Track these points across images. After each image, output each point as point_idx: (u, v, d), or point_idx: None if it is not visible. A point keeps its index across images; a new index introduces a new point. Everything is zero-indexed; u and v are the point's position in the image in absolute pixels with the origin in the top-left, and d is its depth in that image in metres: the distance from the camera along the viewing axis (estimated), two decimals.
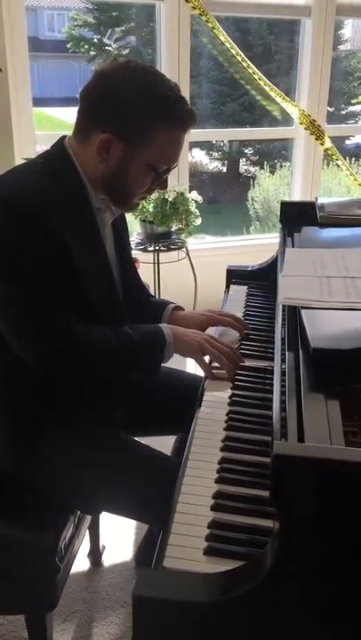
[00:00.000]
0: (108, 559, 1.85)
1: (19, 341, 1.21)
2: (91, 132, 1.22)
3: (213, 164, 8.05)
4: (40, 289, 1.18)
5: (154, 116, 1.19)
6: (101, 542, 1.84)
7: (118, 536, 1.91)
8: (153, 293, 1.67)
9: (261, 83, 3.39)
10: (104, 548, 1.86)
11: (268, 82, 3.39)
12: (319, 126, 3.58)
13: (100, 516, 1.76)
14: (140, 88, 1.19)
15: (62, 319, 1.20)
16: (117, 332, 1.27)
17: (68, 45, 7.86)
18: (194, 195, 3.05)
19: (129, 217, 2.12)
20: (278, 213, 1.86)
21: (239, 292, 1.83)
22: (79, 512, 1.35)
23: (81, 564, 1.80)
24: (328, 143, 3.63)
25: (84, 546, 1.76)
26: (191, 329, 1.41)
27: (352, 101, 7.83)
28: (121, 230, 1.45)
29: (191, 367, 1.42)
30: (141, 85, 1.19)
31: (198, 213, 3.03)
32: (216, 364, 1.35)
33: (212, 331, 1.49)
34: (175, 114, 1.21)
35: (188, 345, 1.32)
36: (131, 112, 1.19)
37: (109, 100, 1.20)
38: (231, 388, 1.29)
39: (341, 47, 7.48)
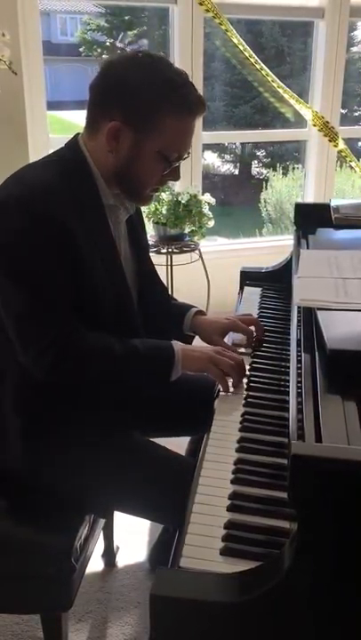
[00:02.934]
0: (121, 560, 1.85)
1: (18, 342, 1.20)
2: (100, 122, 1.22)
3: (226, 167, 8.04)
4: (42, 290, 1.17)
5: (161, 101, 1.19)
6: (115, 543, 1.84)
7: (132, 537, 1.92)
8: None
9: (275, 85, 3.39)
10: (118, 548, 1.86)
11: (281, 84, 3.39)
12: (333, 128, 3.58)
13: (114, 516, 1.77)
14: (145, 73, 1.19)
15: (62, 321, 1.18)
16: (124, 342, 1.24)
17: (81, 49, 7.91)
18: (207, 197, 3.05)
19: None
20: (291, 215, 1.86)
21: (253, 293, 1.83)
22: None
23: (95, 564, 1.81)
24: (342, 145, 3.61)
25: (98, 547, 1.76)
26: (210, 337, 1.42)
27: None
28: (137, 228, 1.44)
29: None
30: (147, 71, 1.19)
31: (211, 215, 3.04)
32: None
33: (229, 336, 1.49)
34: (182, 98, 1.20)
35: (197, 360, 1.28)
36: (137, 98, 1.19)
37: (116, 88, 1.20)
38: (246, 390, 1.29)
39: (354, 49, 7.45)
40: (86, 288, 1.22)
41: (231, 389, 1.29)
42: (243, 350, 1.43)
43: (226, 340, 1.48)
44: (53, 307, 1.18)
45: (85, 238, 1.20)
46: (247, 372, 1.33)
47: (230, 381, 1.29)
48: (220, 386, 1.30)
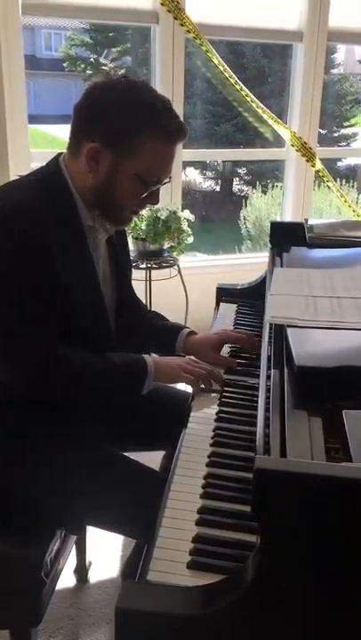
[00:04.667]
0: (94, 575, 1.84)
1: (2, 361, 1.21)
2: (81, 143, 1.24)
3: (207, 183, 8.14)
4: (21, 309, 1.18)
5: (141, 127, 1.21)
6: (88, 558, 1.84)
7: (105, 552, 1.91)
8: (160, 314, 1.67)
9: (254, 105, 3.45)
10: (90, 564, 1.85)
11: (260, 104, 3.46)
12: (310, 148, 3.64)
13: (87, 532, 1.76)
14: (127, 98, 1.21)
15: (42, 340, 1.20)
16: (102, 358, 1.27)
17: (65, 64, 7.97)
18: (186, 213, 3.08)
19: None
20: None
21: (229, 309, 1.85)
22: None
23: (67, 580, 1.80)
24: (319, 165, 3.68)
25: (71, 562, 1.76)
26: (206, 354, 1.45)
27: (344, 124, 7.96)
28: (118, 249, 1.45)
29: (180, 384, 1.44)
30: (129, 95, 1.21)
31: (190, 232, 3.07)
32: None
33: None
34: (163, 125, 1.22)
35: (169, 369, 1.33)
36: (118, 121, 1.21)
37: (98, 111, 1.23)
38: (218, 405, 1.31)
39: (334, 71, 7.61)
40: (63, 305, 1.23)
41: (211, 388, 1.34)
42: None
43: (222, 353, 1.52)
44: (37, 325, 1.20)
45: (63, 257, 1.22)
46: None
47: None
48: (194, 392, 1.34)
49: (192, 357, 1.41)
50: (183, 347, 1.51)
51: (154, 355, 1.39)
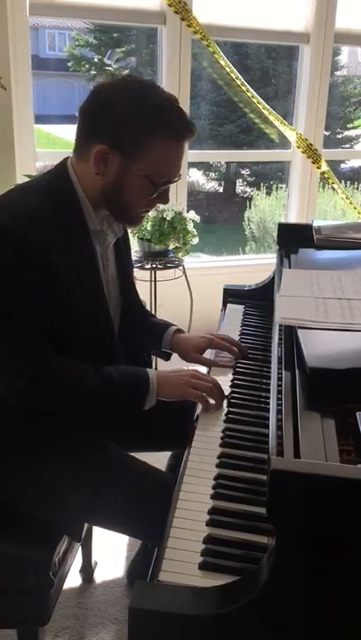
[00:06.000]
0: (99, 575, 1.84)
1: None
2: (88, 145, 1.23)
3: (210, 184, 8.13)
4: (16, 317, 1.17)
5: (148, 128, 1.20)
6: (93, 559, 1.84)
7: (110, 553, 1.91)
8: (149, 311, 1.68)
9: (260, 106, 3.45)
10: (96, 564, 1.85)
11: (266, 105, 3.46)
12: (316, 150, 3.65)
13: (93, 532, 1.76)
14: (133, 99, 1.20)
15: (35, 350, 1.19)
16: (99, 371, 1.24)
17: (69, 64, 7.97)
18: (192, 214, 3.08)
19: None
20: (274, 234, 1.89)
21: (236, 310, 1.85)
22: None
23: (73, 580, 1.80)
24: (324, 167, 3.69)
25: (76, 562, 1.76)
26: (187, 354, 1.46)
27: (348, 126, 7.96)
28: (122, 250, 1.45)
29: None
30: (135, 96, 1.20)
31: (196, 233, 3.07)
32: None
33: (208, 353, 1.51)
34: (170, 125, 1.21)
35: (175, 386, 1.28)
36: (124, 123, 1.20)
37: (104, 112, 1.22)
38: (227, 406, 1.30)
39: (338, 73, 7.62)
40: (66, 317, 1.22)
41: (212, 409, 1.29)
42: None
43: (207, 355, 1.50)
44: (26, 336, 1.18)
45: (68, 267, 1.21)
46: (226, 393, 1.34)
47: (211, 401, 1.30)
48: (200, 407, 1.30)
49: (197, 369, 1.36)
50: (169, 344, 1.51)
51: (160, 369, 1.37)
